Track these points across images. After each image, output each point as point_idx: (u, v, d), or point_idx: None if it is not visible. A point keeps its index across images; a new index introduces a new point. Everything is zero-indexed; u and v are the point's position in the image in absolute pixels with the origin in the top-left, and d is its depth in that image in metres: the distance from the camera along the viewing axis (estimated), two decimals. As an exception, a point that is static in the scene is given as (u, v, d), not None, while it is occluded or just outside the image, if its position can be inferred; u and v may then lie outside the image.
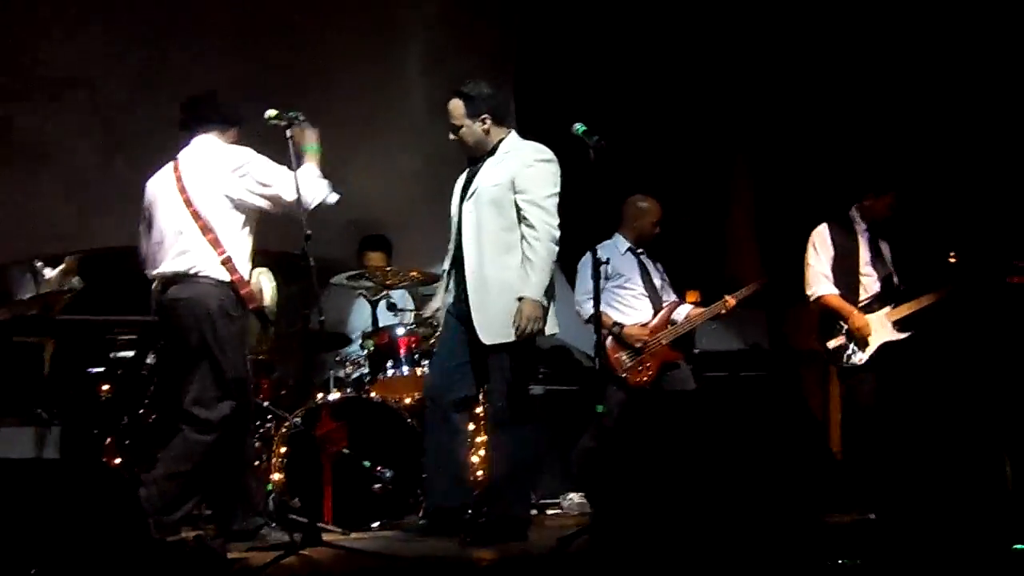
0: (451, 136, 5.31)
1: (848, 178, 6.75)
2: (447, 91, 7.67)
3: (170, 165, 5.13)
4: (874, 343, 6.13)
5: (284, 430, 5.78)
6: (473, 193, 5.23)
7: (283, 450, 5.73)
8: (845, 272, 6.25)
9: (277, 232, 6.60)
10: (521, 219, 5.12)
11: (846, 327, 6.15)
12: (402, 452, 5.78)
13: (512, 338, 5.04)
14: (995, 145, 7.07)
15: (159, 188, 5.10)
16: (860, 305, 6.20)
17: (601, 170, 5.06)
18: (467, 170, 5.37)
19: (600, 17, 7.98)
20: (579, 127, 5.10)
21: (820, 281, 6.25)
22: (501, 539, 4.95)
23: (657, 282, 6.74)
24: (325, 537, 4.82)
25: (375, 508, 5.67)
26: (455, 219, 5.31)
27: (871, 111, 7.48)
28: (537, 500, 6.23)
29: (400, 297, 6.73)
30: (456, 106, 5.28)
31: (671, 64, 8.00)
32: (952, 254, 6.28)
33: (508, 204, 5.14)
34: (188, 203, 4.97)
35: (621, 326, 6.50)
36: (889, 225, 6.36)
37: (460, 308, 5.22)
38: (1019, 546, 4.72)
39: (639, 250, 6.72)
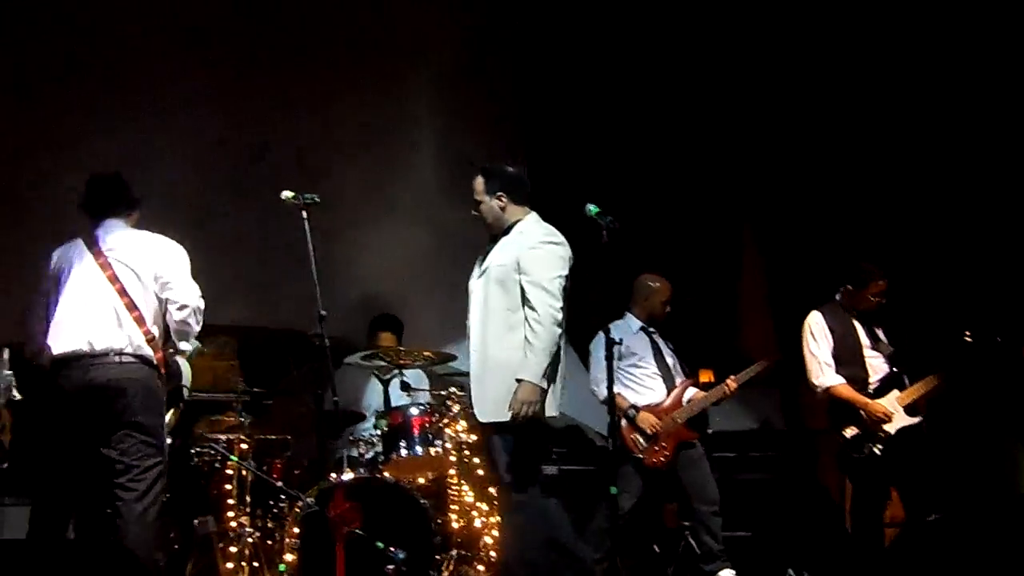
0: (473, 212, 5.36)
1: (839, 263, 6.78)
2: (458, 170, 7.86)
3: (80, 241, 5.10)
4: (891, 429, 6.07)
5: (297, 510, 5.75)
6: (484, 271, 5.28)
7: (296, 530, 5.69)
8: (849, 357, 6.19)
9: (290, 311, 6.69)
10: (524, 300, 5.13)
11: (862, 416, 6.07)
12: (415, 533, 5.73)
13: (507, 418, 5.04)
14: (1001, 219, 7.08)
15: (74, 261, 5.07)
16: (871, 389, 6.15)
17: (614, 250, 5.10)
18: (487, 247, 5.40)
19: (608, 94, 8.08)
20: (592, 208, 5.14)
21: (825, 371, 6.18)
22: None
23: (669, 361, 6.75)
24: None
25: (389, 589, 5.61)
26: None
27: (875, 183, 7.51)
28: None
29: (415, 377, 6.73)
30: (478, 182, 5.37)
31: (677, 141, 8.07)
32: (968, 333, 6.21)
33: (513, 284, 5.16)
34: (113, 280, 4.97)
35: (637, 409, 6.50)
36: (878, 310, 6.31)
37: None
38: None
39: (651, 329, 6.74)
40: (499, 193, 5.32)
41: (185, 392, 5.23)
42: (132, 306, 4.95)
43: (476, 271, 5.36)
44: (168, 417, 5.16)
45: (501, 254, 5.25)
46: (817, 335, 6.24)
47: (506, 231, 5.32)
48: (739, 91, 7.99)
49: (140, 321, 4.95)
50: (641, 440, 6.47)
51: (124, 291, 4.96)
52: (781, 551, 6.84)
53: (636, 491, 6.49)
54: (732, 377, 6.60)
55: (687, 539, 6.73)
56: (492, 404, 5.09)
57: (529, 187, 5.37)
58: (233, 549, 5.71)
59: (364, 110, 7.52)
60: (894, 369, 6.20)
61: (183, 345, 5.12)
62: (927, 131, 7.35)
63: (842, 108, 7.67)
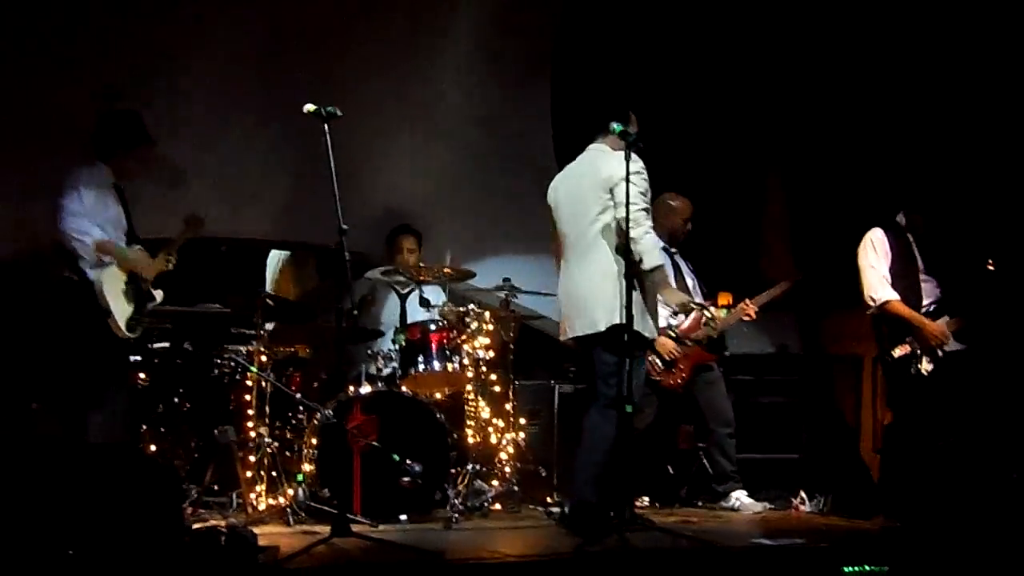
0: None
1: (889, 186, 6.70)
2: (481, 88, 7.80)
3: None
4: (943, 352, 5.99)
5: (316, 422, 5.83)
6: None
7: (314, 441, 5.78)
8: (905, 277, 6.09)
9: (312, 227, 6.71)
10: None
11: (914, 335, 5.99)
12: (431, 447, 5.81)
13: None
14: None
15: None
16: (923, 312, 6.06)
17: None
18: None
19: (637, 17, 7.98)
20: (616, 126, 5.12)
21: (883, 285, 6.06)
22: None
23: (689, 282, 6.75)
24: (353, 528, 4.84)
25: (403, 501, 5.70)
26: None
27: (905, 114, 7.42)
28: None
29: (434, 293, 6.76)
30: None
31: (709, 63, 7.98)
32: (990, 261, 6.17)
33: None
34: None
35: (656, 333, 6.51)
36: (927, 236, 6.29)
37: None
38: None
39: (672, 250, 6.72)
40: None
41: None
42: None
43: None
44: None
45: None
46: (878, 250, 6.13)
47: None
48: (765, 22, 7.89)
49: None
50: (659, 363, 6.50)
51: None
52: (794, 474, 6.89)
53: (652, 412, 6.53)
54: (751, 300, 6.59)
55: (701, 460, 6.79)
56: None
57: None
58: (252, 458, 5.82)
59: (388, 27, 7.44)
60: (945, 295, 6.14)
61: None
62: (945, 64, 7.25)
63: (870, 38, 7.56)
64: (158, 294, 5.76)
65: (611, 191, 5.28)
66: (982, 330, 6.06)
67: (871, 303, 6.12)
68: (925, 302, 6.11)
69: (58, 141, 6.12)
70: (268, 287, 7.40)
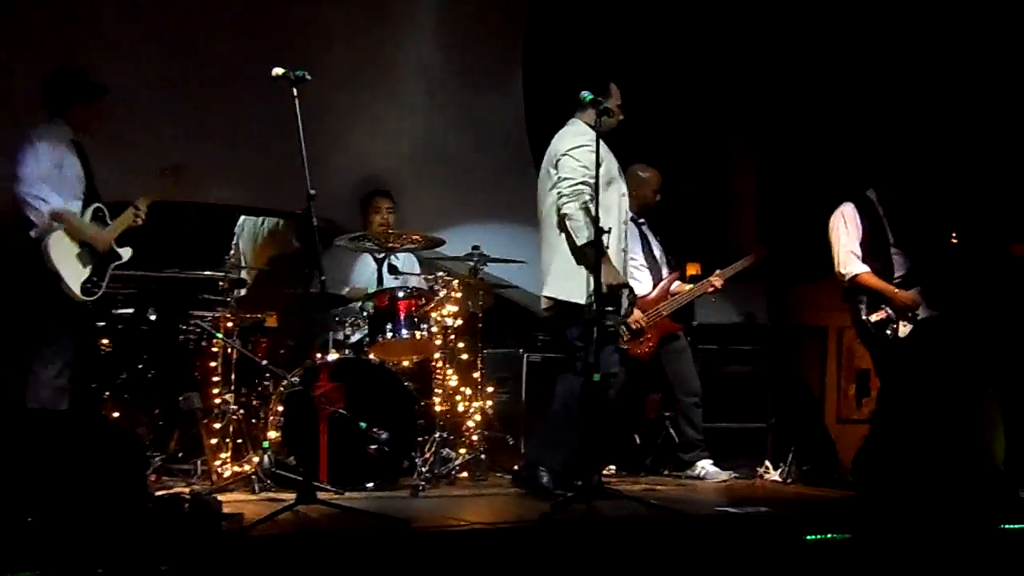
0: (619, 117, 5.44)
1: (856, 159, 6.73)
2: (454, 54, 7.74)
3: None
4: (918, 317, 6.08)
5: (282, 389, 5.81)
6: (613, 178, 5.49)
7: (280, 408, 5.76)
8: (876, 250, 6.18)
9: (281, 192, 6.65)
10: None
11: (887, 304, 6.08)
12: (398, 415, 5.80)
13: None
14: (992, 126, 7.04)
15: None
16: (894, 282, 6.13)
17: (608, 138, 5.10)
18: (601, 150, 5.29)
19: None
20: (586, 95, 5.14)
21: (852, 260, 6.15)
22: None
23: (657, 253, 6.76)
24: (319, 495, 4.83)
25: (370, 469, 5.70)
26: (622, 191, 5.56)
27: (873, 87, 7.45)
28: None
29: (406, 259, 6.74)
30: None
31: (679, 35, 7.97)
32: (953, 235, 6.26)
33: None
34: None
35: (624, 304, 6.53)
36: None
37: None
38: (1008, 526, 4.77)
39: (640, 220, 6.73)
40: None
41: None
42: None
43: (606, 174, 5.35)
44: None
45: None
46: (849, 224, 6.20)
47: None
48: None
49: None
50: (626, 332, 6.51)
51: None
52: (760, 443, 6.94)
53: (619, 381, 6.54)
54: (719, 271, 6.62)
55: (668, 429, 6.83)
56: None
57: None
58: (217, 425, 5.78)
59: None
60: (914, 267, 6.20)
61: None
62: (914, 37, 7.27)
63: (838, 8, 7.57)
64: (125, 252, 5.60)
65: (556, 165, 5.35)
66: (947, 300, 6.14)
67: (842, 276, 6.19)
68: (896, 274, 6.18)
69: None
70: (242, 254, 7.30)
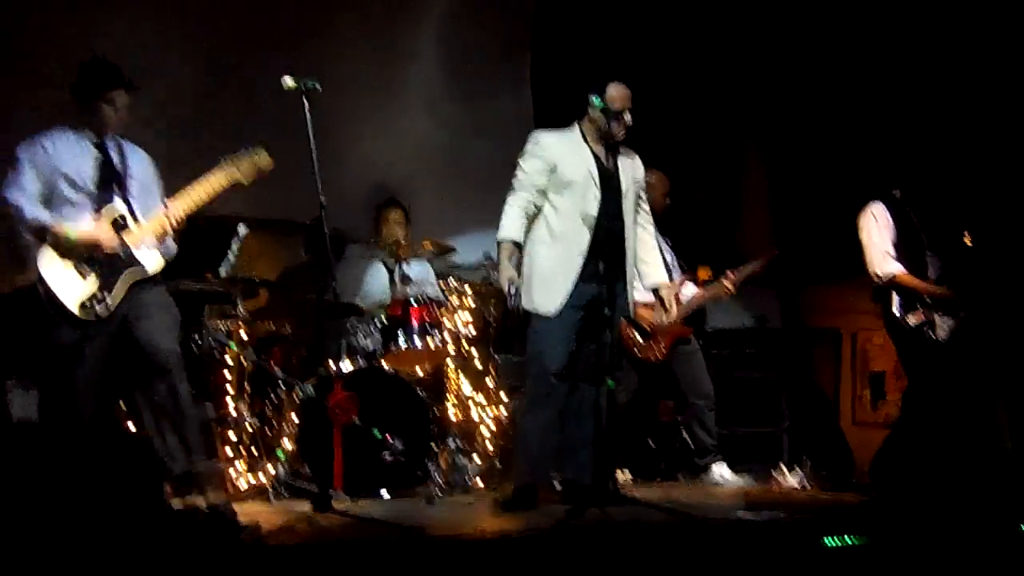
0: (628, 121, 5.36)
1: (870, 159, 6.70)
2: (461, 60, 7.76)
3: None
4: (955, 317, 5.96)
5: (296, 398, 5.81)
6: (621, 182, 5.39)
7: (294, 418, 5.77)
8: (909, 252, 6.02)
9: (292, 202, 6.66)
10: (646, 217, 5.59)
11: (928, 302, 5.95)
12: (412, 423, 5.80)
13: None
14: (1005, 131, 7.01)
15: None
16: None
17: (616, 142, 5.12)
18: (591, 154, 5.36)
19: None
20: (596, 100, 5.13)
21: (888, 260, 5.99)
22: None
23: (667, 257, 6.72)
24: (334, 504, 4.83)
25: (384, 477, 5.70)
26: (596, 202, 5.33)
27: (887, 86, 7.42)
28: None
29: (421, 268, 6.73)
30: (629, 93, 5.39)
31: (688, 38, 7.96)
32: (967, 235, 6.19)
33: (637, 201, 5.52)
34: None
35: (634, 306, 6.51)
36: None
37: (594, 290, 5.24)
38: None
39: (651, 225, 6.72)
40: None
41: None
42: None
43: (597, 180, 5.32)
44: None
45: (631, 170, 5.48)
46: (880, 223, 6.05)
47: (616, 146, 5.41)
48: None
49: None
50: (638, 336, 6.50)
51: None
52: (775, 447, 6.92)
53: (632, 386, 6.54)
54: (730, 272, 6.58)
55: (682, 434, 6.81)
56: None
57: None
58: (232, 436, 5.79)
59: (366, 3, 7.41)
60: (946, 269, 6.12)
61: None
62: (928, 35, 7.25)
63: (848, 8, 7.55)
64: (150, 259, 5.03)
65: None
66: (978, 302, 6.07)
67: (877, 278, 6.05)
68: (931, 275, 6.06)
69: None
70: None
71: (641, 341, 6.50)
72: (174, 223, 5.03)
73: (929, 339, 5.97)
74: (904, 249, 6.05)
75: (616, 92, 5.32)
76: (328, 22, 7.23)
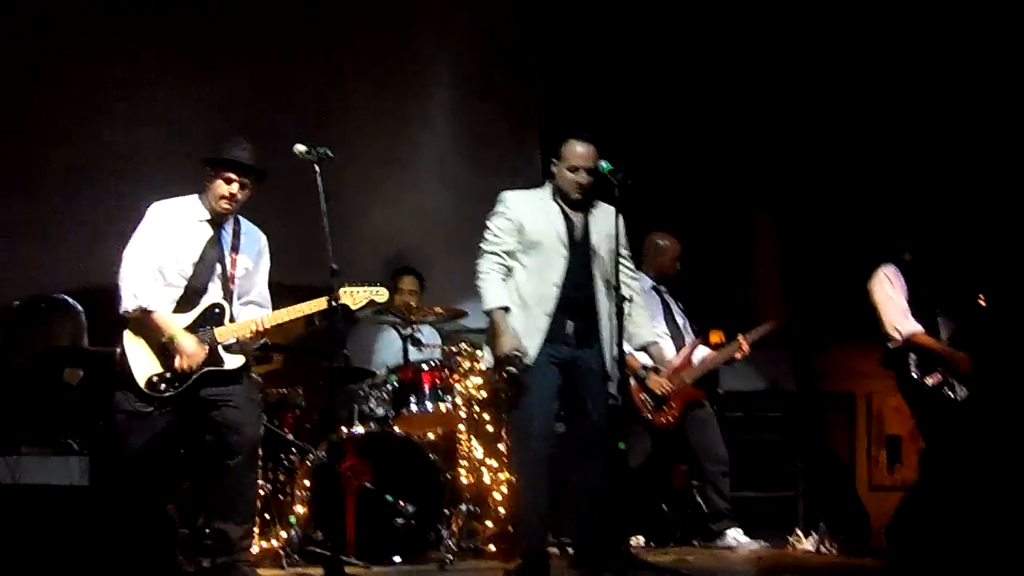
0: (585, 180, 5.26)
1: (886, 225, 6.73)
2: (473, 130, 7.85)
3: None
4: (972, 379, 5.99)
5: (308, 463, 5.80)
6: (591, 240, 5.32)
7: (307, 483, 5.76)
8: (921, 312, 6.07)
9: (304, 267, 6.69)
10: (627, 272, 5.35)
11: (944, 364, 5.99)
12: (424, 487, 5.78)
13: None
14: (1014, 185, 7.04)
15: None
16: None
17: (627, 207, 5.14)
18: (560, 213, 5.32)
19: (623, 57, 8.04)
20: (605, 165, 5.16)
21: (906, 318, 6.03)
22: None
23: (679, 320, 6.76)
24: (348, 571, 4.80)
25: (397, 542, 5.67)
26: (562, 261, 5.27)
27: (898, 150, 7.47)
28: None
29: (429, 333, 6.75)
30: (595, 153, 5.28)
31: (697, 102, 8.03)
32: (981, 297, 6.19)
33: (614, 256, 5.29)
34: None
35: (647, 370, 6.51)
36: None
37: (567, 352, 5.23)
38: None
39: (662, 288, 6.75)
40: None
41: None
42: None
43: (564, 238, 5.28)
44: None
45: (604, 224, 5.31)
46: (895, 284, 6.10)
47: (590, 201, 5.35)
48: (752, 56, 7.95)
49: None
50: (650, 400, 6.49)
51: None
52: (790, 512, 6.86)
53: (645, 450, 6.51)
54: (742, 336, 6.58)
55: (696, 499, 6.76)
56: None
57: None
58: (245, 501, 5.76)
59: (376, 72, 7.51)
60: (959, 330, 6.12)
61: None
62: (938, 99, 7.31)
63: (859, 72, 7.62)
64: (233, 360, 5.01)
65: None
66: (993, 363, 6.06)
67: (896, 336, 6.06)
68: (942, 338, 6.10)
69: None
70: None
71: (653, 405, 6.49)
72: (261, 330, 5.03)
73: (947, 399, 5.97)
74: (916, 311, 6.07)
75: (569, 150, 5.27)
76: (341, 91, 7.34)
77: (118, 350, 4.91)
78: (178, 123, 6.86)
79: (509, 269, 5.29)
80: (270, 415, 6.09)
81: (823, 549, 6.30)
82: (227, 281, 5.06)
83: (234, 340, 5.00)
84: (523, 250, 5.28)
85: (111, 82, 6.84)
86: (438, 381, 6.13)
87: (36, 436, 6.04)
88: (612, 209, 5.31)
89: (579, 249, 5.28)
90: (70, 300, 6.48)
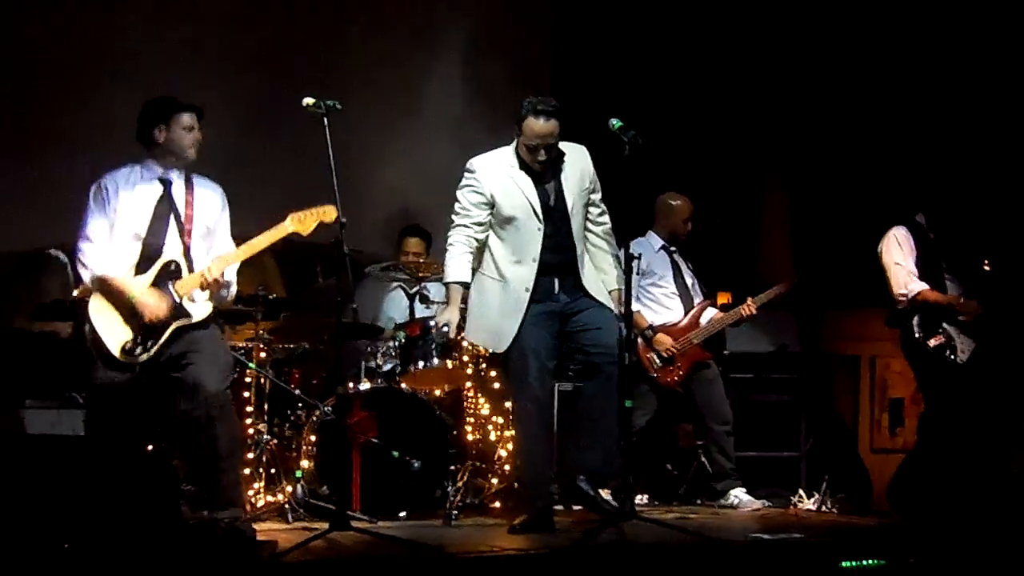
0: (544, 156, 5.23)
1: (891, 186, 6.70)
2: (483, 85, 7.81)
3: None
4: (976, 340, 5.99)
5: (314, 418, 5.83)
6: (567, 203, 5.29)
7: (313, 438, 5.78)
8: (929, 276, 6.07)
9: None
10: (593, 216, 5.39)
11: (950, 318, 5.97)
12: (430, 444, 5.81)
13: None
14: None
15: None
16: None
17: (636, 166, 5.11)
18: (531, 182, 5.28)
19: (636, 17, 8.00)
20: (615, 122, 5.12)
21: (912, 279, 6.03)
22: None
23: (688, 281, 6.76)
24: (352, 525, 4.83)
25: (403, 498, 5.71)
26: (536, 227, 5.26)
27: (907, 113, 7.44)
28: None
29: (438, 290, 6.75)
30: (556, 127, 5.22)
31: (708, 64, 8.00)
32: (986, 262, 6.19)
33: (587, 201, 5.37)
34: None
35: (654, 330, 6.53)
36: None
37: (557, 305, 5.26)
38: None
39: (672, 248, 6.75)
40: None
41: None
42: None
43: (535, 205, 5.26)
44: None
45: (575, 178, 5.32)
46: (904, 247, 6.09)
47: (557, 163, 5.32)
48: (760, 19, 7.91)
49: None
50: (656, 360, 6.51)
51: None
52: (793, 472, 6.90)
53: (651, 409, 6.54)
54: (751, 299, 6.59)
55: (700, 459, 6.80)
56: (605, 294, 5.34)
57: None
58: (251, 455, 5.79)
59: (390, 32, 7.48)
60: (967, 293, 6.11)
61: None
62: (949, 63, 7.27)
63: (870, 37, 7.58)
64: (198, 309, 4.96)
65: None
66: (1000, 325, 6.07)
67: (902, 297, 6.06)
68: None
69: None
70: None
71: (660, 365, 6.51)
72: (210, 280, 4.93)
73: (949, 361, 5.98)
74: (925, 273, 6.08)
75: (527, 127, 5.21)
76: (352, 46, 7.30)
77: (86, 327, 4.85)
78: (182, 83, 6.82)
79: (479, 241, 5.29)
80: (276, 369, 6.12)
81: (825, 509, 6.35)
82: (183, 236, 5.01)
83: (198, 290, 4.95)
84: (498, 223, 5.28)
85: (107, 44, 6.79)
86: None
87: (40, 391, 6.09)
88: (582, 149, 5.34)
89: (555, 215, 5.28)
90: (57, 254, 6.44)
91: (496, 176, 5.30)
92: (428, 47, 7.61)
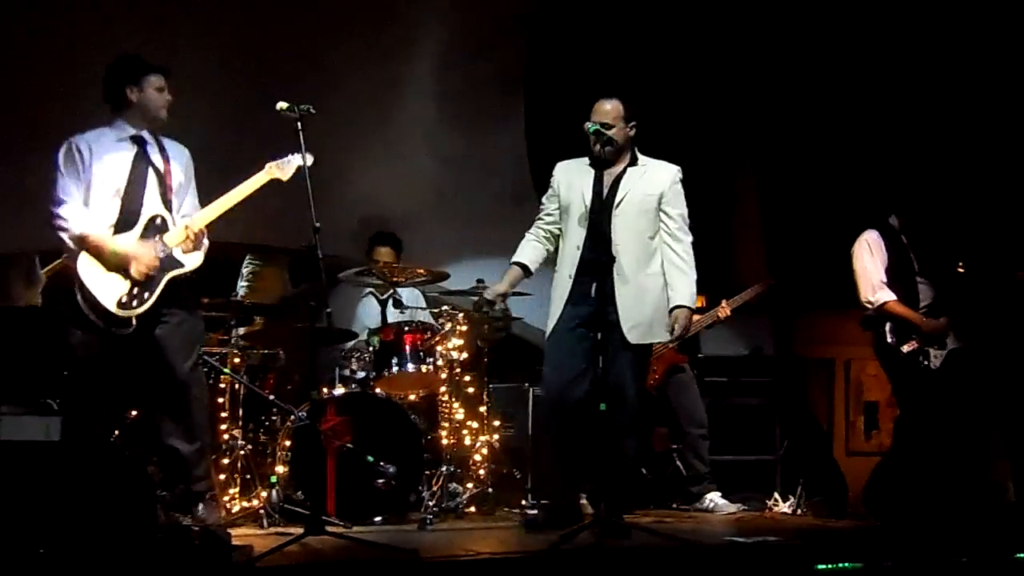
0: (599, 133, 5.33)
1: (870, 190, 6.74)
2: (458, 92, 7.81)
3: None
4: (947, 346, 6.02)
5: (289, 423, 5.81)
6: (622, 200, 5.37)
7: (288, 443, 5.76)
8: (900, 279, 6.09)
9: (288, 228, 6.68)
10: (667, 231, 5.42)
11: (916, 333, 6.01)
12: (405, 448, 5.79)
13: (659, 340, 5.47)
14: (998, 151, 7.06)
15: None
16: (920, 311, 6.06)
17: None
18: (593, 174, 5.43)
19: (609, 23, 8.01)
20: (591, 126, 5.18)
21: (881, 288, 6.05)
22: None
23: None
24: (327, 530, 4.81)
25: (378, 503, 5.69)
26: (584, 223, 5.38)
27: (881, 114, 7.48)
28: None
29: (411, 295, 6.75)
30: (616, 107, 5.40)
31: (680, 66, 8.02)
32: (960, 264, 6.22)
33: (655, 214, 5.40)
34: None
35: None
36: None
37: (585, 311, 5.29)
38: (1022, 555, 4.74)
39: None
40: (633, 123, 5.44)
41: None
42: None
43: (588, 199, 5.37)
44: None
45: (643, 184, 5.41)
46: (875, 252, 6.11)
47: (632, 162, 5.46)
48: (731, 20, 7.94)
49: None
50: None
51: None
52: (768, 475, 6.91)
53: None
54: (726, 301, 6.62)
55: (675, 462, 6.80)
56: (647, 328, 5.33)
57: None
58: (225, 461, 5.78)
59: (363, 37, 7.46)
60: (939, 296, 6.14)
61: None
62: (925, 63, 7.32)
63: (844, 36, 7.62)
64: (190, 259, 5.07)
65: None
66: (972, 330, 6.10)
67: (868, 305, 6.09)
68: (922, 304, 6.11)
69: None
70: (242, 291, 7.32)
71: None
72: (195, 232, 5.04)
73: (922, 367, 6.00)
74: (896, 276, 6.09)
75: (593, 110, 5.41)
76: (327, 52, 7.27)
77: (76, 289, 4.84)
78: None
79: (550, 234, 5.56)
80: (251, 375, 6.09)
81: (800, 512, 6.36)
82: (165, 191, 5.09)
83: (185, 241, 5.03)
84: (565, 216, 5.47)
85: (91, 45, 6.74)
86: (420, 343, 6.12)
87: (14, 396, 6.02)
88: (671, 169, 5.49)
89: (604, 210, 5.37)
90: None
91: (568, 172, 5.55)
92: (402, 54, 7.59)
